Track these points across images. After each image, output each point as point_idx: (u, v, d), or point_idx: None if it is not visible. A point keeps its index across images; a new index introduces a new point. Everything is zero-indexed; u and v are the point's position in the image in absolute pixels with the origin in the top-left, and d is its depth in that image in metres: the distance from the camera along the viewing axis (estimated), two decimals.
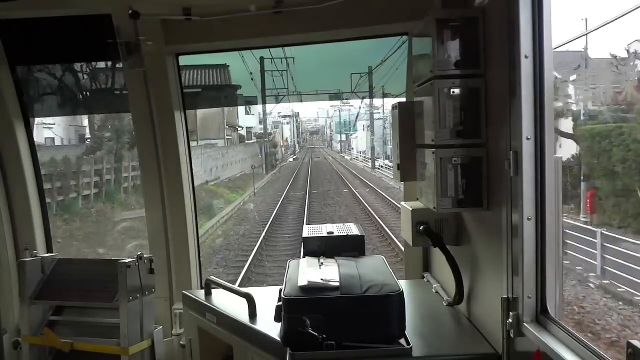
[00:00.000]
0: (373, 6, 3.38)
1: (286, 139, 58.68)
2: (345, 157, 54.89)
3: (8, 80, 3.90)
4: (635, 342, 1.47)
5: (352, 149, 57.24)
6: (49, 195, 13.48)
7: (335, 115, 61.12)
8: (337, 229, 3.13)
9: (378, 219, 15.55)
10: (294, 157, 55.87)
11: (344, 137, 63.00)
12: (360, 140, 53.84)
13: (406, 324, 2.40)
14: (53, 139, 19.14)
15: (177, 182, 3.88)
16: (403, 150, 2.94)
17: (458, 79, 2.42)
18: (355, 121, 52.60)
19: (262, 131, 39.44)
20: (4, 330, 3.91)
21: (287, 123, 58.26)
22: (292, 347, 2.34)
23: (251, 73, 22.35)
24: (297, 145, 65.28)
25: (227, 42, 3.76)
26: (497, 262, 2.28)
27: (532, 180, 2.06)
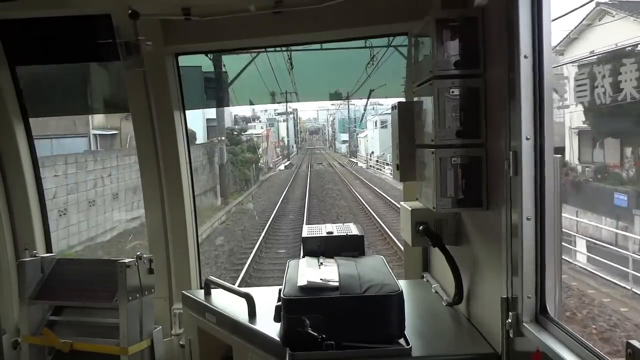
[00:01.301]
0: (373, 6, 3.38)
1: (282, 138, 52.22)
2: (359, 163, 39.34)
3: (8, 80, 3.90)
4: (634, 342, 1.47)
5: (372, 152, 39.34)
6: None
7: (342, 108, 48.83)
8: (337, 229, 3.13)
9: None
10: (288, 162, 43.05)
11: (347, 137, 52.24)
12: (371, 141, 40.69)
13: (406, 324, 2.40)
14: None
15: (177, 182, 3.88)
16: (403, 150, 2.94)
17: (458, 79, 2.42)
18: (363, 117, 42.88)
19: (231, 126, 27.65)
20: (4, 330, 3.90)
21: (284, 121, 51.63)
22: (292, 347, 2.34)
23: None
24: (294, 146, 57.59)
25: (226, 42, 3.76)
26: (496, 262, 2.28)
27: (531, 181, 2.06)
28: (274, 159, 41.31)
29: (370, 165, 35.86)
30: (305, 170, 34.67)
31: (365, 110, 37.10)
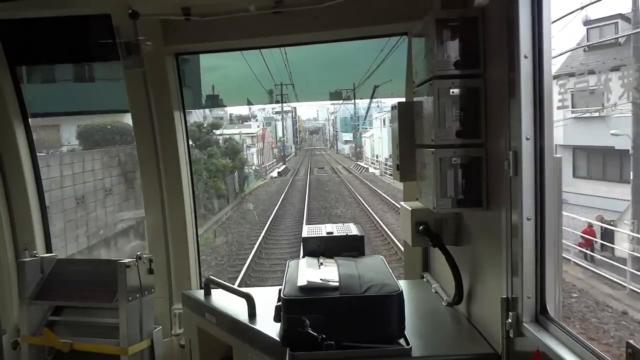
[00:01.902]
0: (373, 6, 3.38)
1: (280, 138, 48.57)
2: (370, 168, 32.12)
3: (8, 81, 3.90)
4: (634, 342, 1.47)
5: (390, 155, 26.07)
6: None
7: (345, 104, 39.82)
8: (337, 229, 3.13)
9: None
10: (284, 166, 36.37)
11: (350, 137, 46.55)
12: (377, 141, 34.23)
13: (406, 324, 2.40)
14: None
15: (177, 182, 3.88)
16: (403, 150, 2.94)
17: (458, 79, 2.42)
18: (367, 114, 38.28)
19: (198, 121, 20.17)
20: (4, 330, 3.90)
21: (281, 119, 47.71)
22: (292, 348, 2.34)
23: None
24: (292, 147, 53.55)
25: (226, 42, 3.76)
26: (496, 262, 2.28)
27: (531, 181, 2.06)
28: (269, 160, 36.46)
29: (384, 172, 27.66)
30: (303, 179, 27.10)
31: (369, 107, 33.65)
